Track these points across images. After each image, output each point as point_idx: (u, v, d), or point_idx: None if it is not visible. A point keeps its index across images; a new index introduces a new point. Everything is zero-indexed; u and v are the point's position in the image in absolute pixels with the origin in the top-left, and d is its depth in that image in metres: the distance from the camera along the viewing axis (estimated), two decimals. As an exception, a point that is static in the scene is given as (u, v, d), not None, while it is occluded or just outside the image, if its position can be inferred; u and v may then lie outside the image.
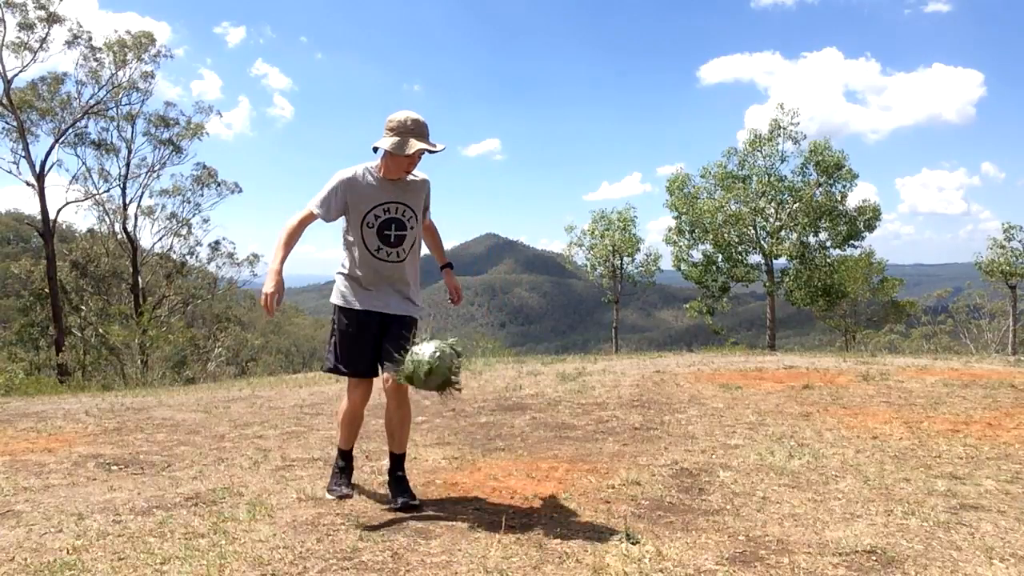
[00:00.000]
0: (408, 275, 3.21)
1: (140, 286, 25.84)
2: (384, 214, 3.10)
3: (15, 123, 22.86)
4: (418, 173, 3.16)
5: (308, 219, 3.10)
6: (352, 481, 3.42)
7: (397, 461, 3.24)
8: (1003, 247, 25.24)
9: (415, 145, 2.97)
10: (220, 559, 2.46)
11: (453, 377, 2.88)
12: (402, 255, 3.16)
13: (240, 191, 28.43)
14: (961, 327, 28.69)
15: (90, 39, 23.98)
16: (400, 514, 2.98)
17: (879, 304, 29.04)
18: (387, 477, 3.30)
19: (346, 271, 3.21)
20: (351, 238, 3.16)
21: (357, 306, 3.16)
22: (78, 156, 25.42)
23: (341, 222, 3.18)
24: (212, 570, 2.37)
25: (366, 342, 3.16)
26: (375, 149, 3.06)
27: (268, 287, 2.88)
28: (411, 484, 3.24)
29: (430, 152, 3.01)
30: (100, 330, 21.49)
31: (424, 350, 2.86)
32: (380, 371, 3.17)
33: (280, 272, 2.94)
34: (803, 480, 3.44)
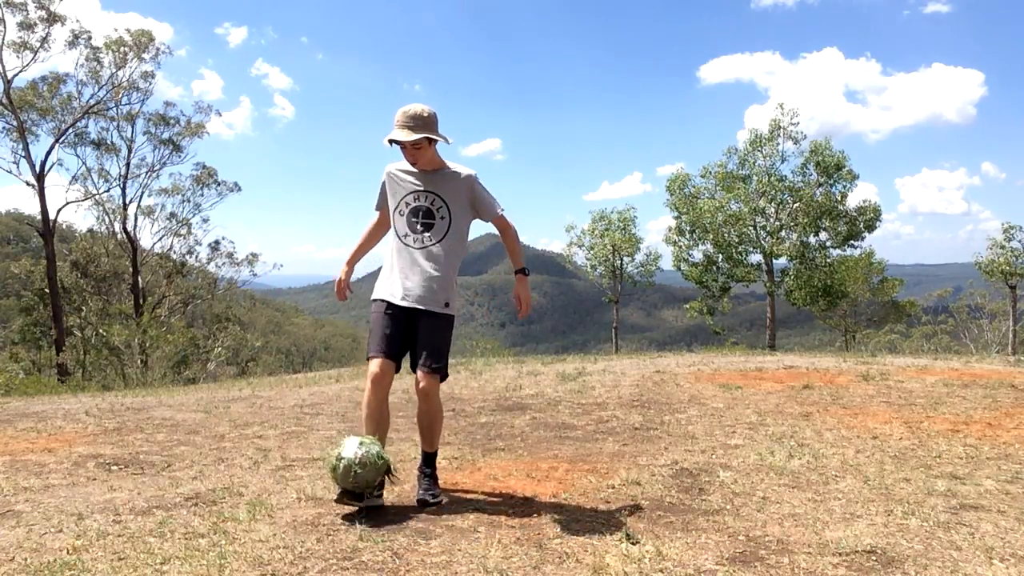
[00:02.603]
0: (438, 265, 3.14)
1: (140, 286, 25.86)
2: (414, 201, 3.18)
3: (15, 123, 22.90)
4: (459, 168, 3.18)
5: (376, 219, 3.39)
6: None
7: (426, 459, 3.24)
8: (1003, 247, 25.24)
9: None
10: (220, 559, 2.46)
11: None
12: (427, 242, 3.15)
13: (239, 191, 28.52)
14: (961, 327, 28.68)
15: (90, 38, 24.04)
16: (400, 514, 2.98)
17: (879, 304, 29.04)
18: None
19: (383, 262, 3.30)
20: (390, 227, 3.27)
21: (378, 295, 3.22)
22: (78, 156, 25.51)
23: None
24: (212, 570, 2.37)
25: (387, 327, 3.14)
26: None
27: (338, 274, 3.34)
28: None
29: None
30: (100, 330, 21.47)
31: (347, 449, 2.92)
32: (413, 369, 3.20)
33: (348, 261, 3.40)
34: (803, 480, 3.44)
